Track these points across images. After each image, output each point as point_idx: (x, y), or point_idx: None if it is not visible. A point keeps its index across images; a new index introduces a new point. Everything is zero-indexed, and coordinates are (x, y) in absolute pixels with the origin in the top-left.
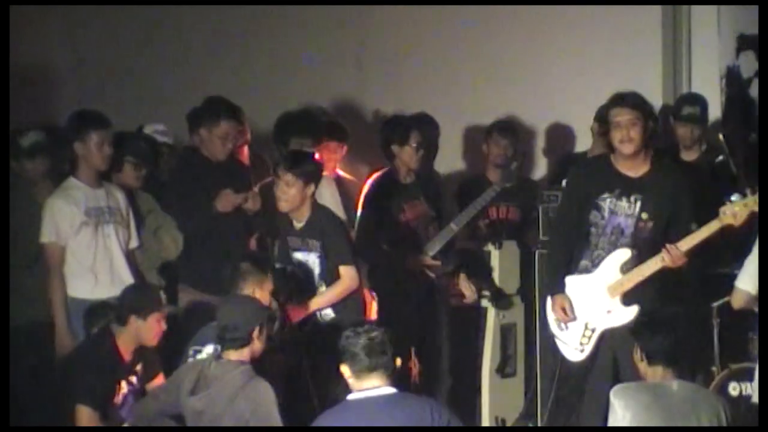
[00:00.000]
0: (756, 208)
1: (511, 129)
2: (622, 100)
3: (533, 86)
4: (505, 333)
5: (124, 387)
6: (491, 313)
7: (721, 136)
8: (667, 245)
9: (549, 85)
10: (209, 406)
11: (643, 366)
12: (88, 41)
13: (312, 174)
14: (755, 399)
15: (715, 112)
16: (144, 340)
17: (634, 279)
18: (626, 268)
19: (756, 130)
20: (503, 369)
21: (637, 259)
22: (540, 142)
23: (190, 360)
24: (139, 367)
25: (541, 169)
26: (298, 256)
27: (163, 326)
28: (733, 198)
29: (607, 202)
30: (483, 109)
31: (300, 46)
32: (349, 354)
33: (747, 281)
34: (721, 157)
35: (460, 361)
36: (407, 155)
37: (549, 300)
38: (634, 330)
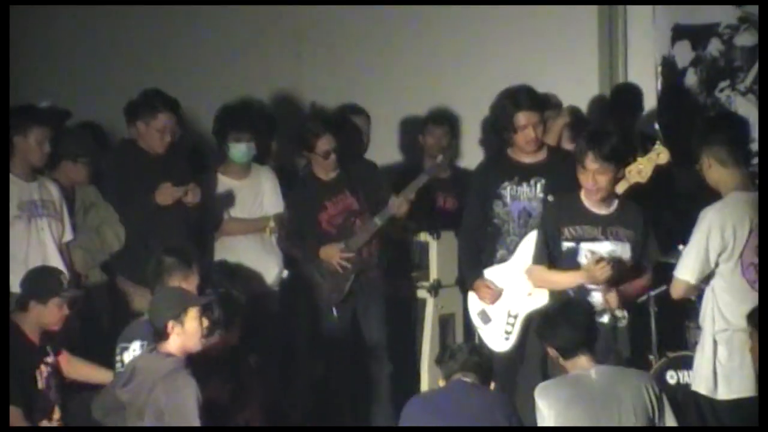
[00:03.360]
0: (661, 161)
1: (446, 119)
2: (525, 103)
3: (471, 78)
4: (444, 324)
5: (44, 370)
6: (430, 304)
7: (656, 126)
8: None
9: (486, 76)
10: (134, 397)
11: (562, 362)
12: (24, 29)
13: None
14: (694, 387)
15: (650, 101)
16: (45, 325)
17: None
18: None
19: (692, 118)
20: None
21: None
22: (477, 132)
23: (118, 357)
24: (48, 348)
25: (478, 158)
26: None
27: (65, 311)
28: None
29: (507, 189)
30: (420, 101)
31: (239, 38)
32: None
33: (686, 271)
34: None
35: (399, 349)
36: (317, 162)
37: (470, 294)
38: (538, 334)
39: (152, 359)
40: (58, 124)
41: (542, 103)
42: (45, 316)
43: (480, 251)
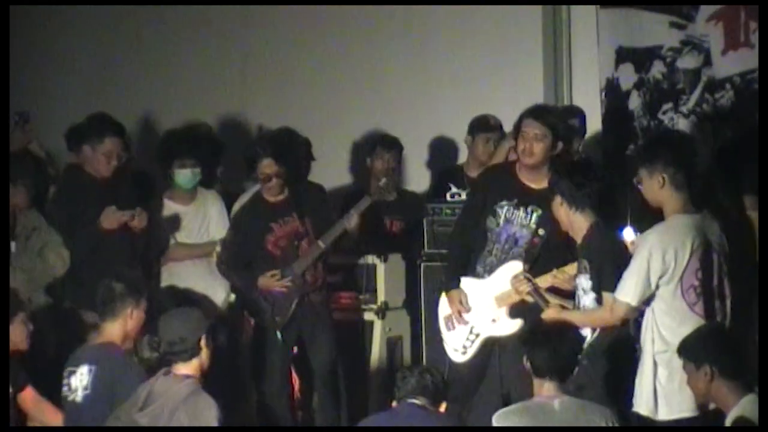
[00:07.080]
0: None
1: (396, 143)
2: (535, 113)
3: (416, 100)
4: (392, 346)
5: None
6: (377, 326)
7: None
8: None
9: (432, 98)
10: (153, 421)
11: (533, 377)
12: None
13: None
14: (635, 408)
15: (595, 124)
16: (14, 344)
17: (522, 295)
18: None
19: (634, 141)
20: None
21: (529, 274)
22: (423, 155)
23: (65, 381)
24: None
25: (424, 181)
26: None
27: (30, 327)
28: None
29: (504, 209)
30: (367, 122)
31: (183, 60)
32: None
33: (627, 293)
34: None
35: (352, 373)
36: (262, 185)
37: (444, 296)
38: (523, 340)
39: (169, 382)
40: None
41: (556, 124)
42: (12, 335)
43: (468, 254)
